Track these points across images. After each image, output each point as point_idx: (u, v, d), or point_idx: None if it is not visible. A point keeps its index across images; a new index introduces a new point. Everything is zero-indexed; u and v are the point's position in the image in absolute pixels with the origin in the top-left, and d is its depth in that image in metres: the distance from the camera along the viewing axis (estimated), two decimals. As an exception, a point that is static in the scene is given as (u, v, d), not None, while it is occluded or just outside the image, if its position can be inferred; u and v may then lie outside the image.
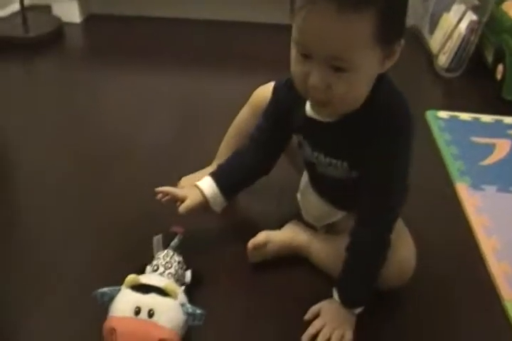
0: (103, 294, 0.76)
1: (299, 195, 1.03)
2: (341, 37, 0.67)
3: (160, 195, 0.96)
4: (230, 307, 0.87)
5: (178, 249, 0.90)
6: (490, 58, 1.67)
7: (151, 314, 0.73)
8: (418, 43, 1.91)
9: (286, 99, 0.86)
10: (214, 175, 0.96)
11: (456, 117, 1.46)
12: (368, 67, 0.71)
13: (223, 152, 1.08)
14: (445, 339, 0.85)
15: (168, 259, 0.85)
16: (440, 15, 1.82)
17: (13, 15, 1.88)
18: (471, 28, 1.65)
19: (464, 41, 1.66)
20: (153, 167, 1.20)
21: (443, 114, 1.47)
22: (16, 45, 1.74)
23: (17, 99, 1.52)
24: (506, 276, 0.95)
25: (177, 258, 0.87)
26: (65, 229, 1.03)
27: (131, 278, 0.77)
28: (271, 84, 0.94)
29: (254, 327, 0.84)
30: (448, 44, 1.71)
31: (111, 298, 0.76)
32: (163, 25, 1.97)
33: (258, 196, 1.10)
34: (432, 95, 1.66)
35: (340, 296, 0.84)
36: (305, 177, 1.00)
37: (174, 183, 1.08)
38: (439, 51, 1.74)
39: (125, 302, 0.75)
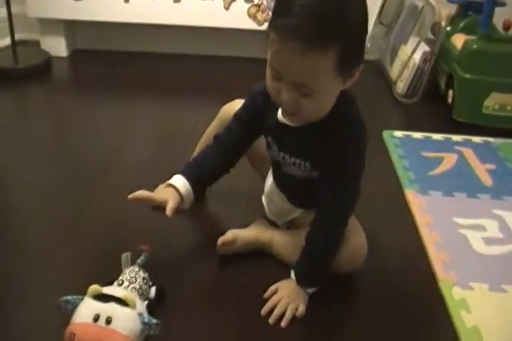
0: (67, 302, 0.81)
1: (263, 197, 1.14)
2: (306, 71, 0.78)
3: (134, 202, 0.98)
4: (192, 322, 0.91)
5: (144, 266, 0.93)
6: (443, 84, 1.83)
7: (108, 321, 0.77)
8: (381, 75, 2.07)
9: (261, 105, 0.97)
10: (184, 172, 1.02)
11: (409, 136, 1.60)
12: (330, 90, 0.83)
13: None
14: (389, 314, 0.95)
15: (133, 275, 0.89)
16: (399, 48, 2.00)
17: (4, 48, 2.02)
18: (425, 59, 1.82)
19: (419, 70, 1.83)
20: (133, 180, 1.28)
21: (398, 134, 1.60)
22: (6, 75, 1.87)
23: (7, 123, 1.63)
24: (443, 263, 1.06)
25: (142, 274, 0.90)
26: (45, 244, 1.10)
27: (93, 288, 0.81)
28: (236, 101, 1.08)
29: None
30: (404, 73, 1.88)
31: (74, 306, 0.80)
32: (145, 59, 2.12)
33: (225, 203, 1.21)
34: (390, 118, 1.81)
35: (296, 275, 0.94)
36: (269, 178, 1.11)
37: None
38: (397, 79, 1.90)
39: (86, 309, 0.79)
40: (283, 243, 1.04)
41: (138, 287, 0.88)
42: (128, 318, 0.79)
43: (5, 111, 1.72)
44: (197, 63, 2.10)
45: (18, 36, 1.97)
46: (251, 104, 1.01)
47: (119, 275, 0.90)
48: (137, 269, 0.91)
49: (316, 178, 0.95)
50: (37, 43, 2.10)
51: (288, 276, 0.96)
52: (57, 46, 2.09)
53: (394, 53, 2.04)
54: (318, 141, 0.90)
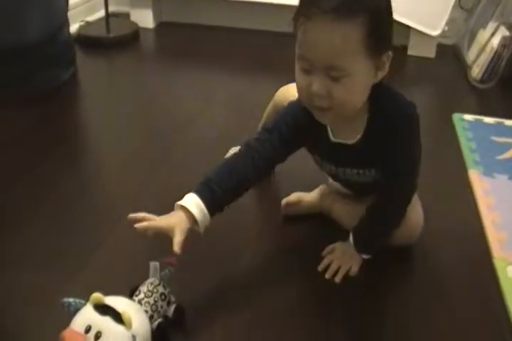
0: (69, 304, 0.78)
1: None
2: (334, 45, 0.78)
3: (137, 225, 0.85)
4: None
5: (166, 281, 0.87)
6: (520, 71, 1.81)
7: (98, 336, 0.73)
8: (457, 59, 2.07)
9: (306, 123, 0.92)
10: (199, 191, 0.88)
11: (480, 120, 1.61)
12: (360, 73, 0.81)
13: None
14: (437, 287, 1.01)
15: (151, 288, 0.84)
16: (477, 32, 1.99)
17: (99, 20, 2.17)
18: (503, 44, 1.80)
19: (496, 55, 1.82)
20: (206, 146, 1.41)
21: (468, 117, 1.62)
22: (99, 43, 2.04)
23: (99, 86, 1.81)
24: (499, 242, 1.10)
25: (161, 289, 0.85)
26: (127, 193, 1.23)
27: (95, 296, 0.77)
28: (291, 85, 0.99)
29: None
30: (481, 57, 1.87)
31: (76, 309, 0.78)
32: (225, 33, 2.21)
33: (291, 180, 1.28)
34: (463, 102, 1.81)
35: (354, 240, 1.01)
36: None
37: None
38: (473, 63, 1.90)
39: (82, 317, 0.76)
40: (344, 211, 1.11)
41: (152, 302, 0.83)
42: (118, 338, 0.74)
43: (96, 74, 1.90)
44: (277, 40, 2.16)
45: (110, 9, 2.12)
46: (293, 119, 0.94)
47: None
48: (157, 283, 0.86)
49: (379, 178, 0.97)
50: (127, 15, 2.25)
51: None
52: (144, 18, 2.23)
53: (472, 38, 2.02)
54: (378, 149, 0.91)
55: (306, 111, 0.89)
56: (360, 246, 1.01)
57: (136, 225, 0.83)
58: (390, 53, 0.84)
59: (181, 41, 2.15)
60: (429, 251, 1.08)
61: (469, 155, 1.41)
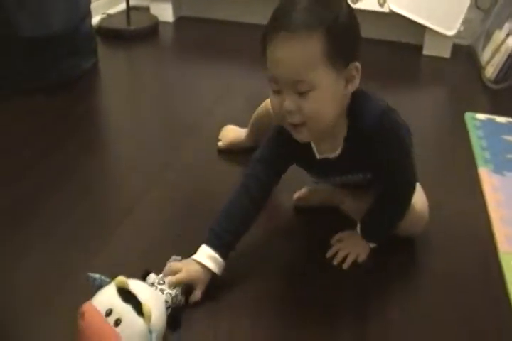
0: (94, 279, 0.81)
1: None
2: (295, 60, 0.82)
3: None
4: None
5: None
6: (534, 72, 1.82)
7: (117, 323, 0.74)
8: (472, 60, 2.09)
9: (287, 145, 0.96)
10: (212, 243, 0.95)
11: (492, 119, 1.63)
12: (325, 86, 0.84)
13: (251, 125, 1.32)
14: (443, 280, 1.04)
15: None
16: (493, 33, 2.00)
17: (120, 13, 2.22)
18: (519, 45, 1.82)
19: (511, 56, 1.83)
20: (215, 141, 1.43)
21: (480, 116, 1.65)
22: (120, 35, 2.09)
23: (119, 76, 1.86)
24: (506, 237, 1.13)
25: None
26: (145, 178, 1.28)
27: (120, 280, 0.78)
28: None
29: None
30: (495, 58, 1.89)
31: (100, 286, 0.80)
32: (243, 28, 2.24)
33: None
34: (476, 102, 1.83)
35: (361, 229, 1.05)
36: None
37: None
38: (487, 63, 1.92)
39: (105, 298, 0.78)
40: (355, 206, 1.14)
41: (174, 295, 0.87)
42: (136, 330, 0.75)
43: (116, 65, 1.95)
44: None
45: (131, 2, 2.17)
46: (275, 145, 1.00)
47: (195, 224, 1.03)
48: None
49: (370, 177, 1.02)
50: (147, 9, 2.29)
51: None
52: (164, 12, 2.27)
53: (488, 39, 2.04)
54: (360, 158, 0.95)
55: (288, 135, 0.92)
56: (367, 235, 1.05)
57: (167, 281, 0.89)
58: (358, 65, 0.86)
59: (200, 35, 2.19)
60: (436, 244, 1.11)
61: (480, 153, 1.43)
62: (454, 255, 1.09)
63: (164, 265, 0.94)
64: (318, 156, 0.98)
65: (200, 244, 0.95)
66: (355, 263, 1.03)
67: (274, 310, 0.94)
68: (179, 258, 0.95)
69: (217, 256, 0.94)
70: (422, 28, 2.04)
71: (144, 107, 1.66)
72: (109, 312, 0.75)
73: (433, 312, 0.96)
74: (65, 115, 1.54)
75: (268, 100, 1.21)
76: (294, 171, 1.26)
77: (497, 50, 1.89)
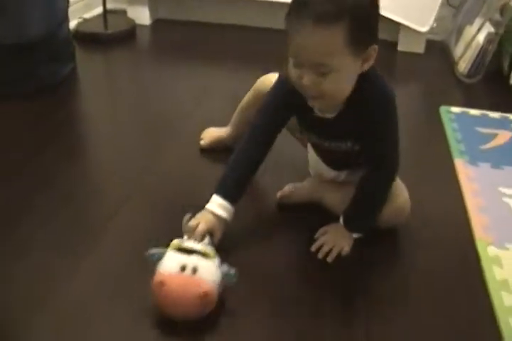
0: (152, 255, 0.91)
1: (310, 168, 1.25)
2: (319, 47, 0.86)
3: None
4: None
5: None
6: (506, 65, 1.88)
7: (194, 271, 0.86)
8: (445, 55, 2.14)
9: (290, 96, 1.00)
10: (222, 191, 1.04)
11: (466, 112, 1.68)
12: (346, 68, 0.90)
13: (234, 121, 1.35)
14: (424, 265, 1.08)
15: (206, 241, 0.98)
16: (464, 28, 2.05)
17: (96, 17, 2.22)
18: (489, 39, 1.87)
19: (482, 50, 1.88)
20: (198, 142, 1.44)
21: (455, 109, 1.69)
22: (97, 39, 2.08)
23: (97, 81, 1.87)
24: (482, 225, 1.17)
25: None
26: (126, 183, 1.28)
27: (176, 242, 0.92)
28: (272, 74, 1.16)
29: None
30: (467, 53, 1.94)
31: (159, 258, 0.90)
32: (220, 30, 2.27)
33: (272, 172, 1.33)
34: (450, 96, 1.88)
35: (344, 220, 1.08)
36: (311, 151, 1.21)
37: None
38: (460, 58, 1.97)
39: (172, 261, 0.88)
40: (336, 198, 1.17)
41: (208, 243, 0.97)
42: (210, 269, 0.89)
43: (95, 70, 1.95)
44: (271, 36, 2.22)
45: (108, 6, 2.17)
46: (278, 94, 1.05)
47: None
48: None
49: (358, 149, 1.06)
50: (124, 12, 2.30)
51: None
52: (141, 15, 2.28)
53: (459, 34, 2.09)
54: (353, 124, 1.00)
55: (292, 91, 0.97)
56: (350, 225, 1.08)
57: (196, 234, 0.98)
58: (376, 46, 0.92)
59: (177, 37, 2.20)
60: (416, 234, 1.15)
61: (455, 146, 1.47)
62: (433, 243, 1.13)
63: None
64: (316, 112, 1.02)
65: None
66: (339, 256, 1.05)
67: (261, 307, 0.96)
68: (190, 214, 1.02)
69: (226, 204, 1.03)
70: (396, 25, 2.08)
71: (123, 111, 1.67)
72: (183, 268, 0.87)
73: (411, 300, 0.99)
74: (45, 121, 1.53)
75: (249, 93, 1.29)
76: (278, 171, 1.31)
77: (469, 45, 1.93)
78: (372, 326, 0.93)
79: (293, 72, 0.93)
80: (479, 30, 1.90)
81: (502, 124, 1.62)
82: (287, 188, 1.22)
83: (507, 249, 1.11)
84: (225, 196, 1.04)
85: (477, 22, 1.96)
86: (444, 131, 1.56)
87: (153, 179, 1.30)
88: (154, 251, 0.92)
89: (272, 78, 1.12)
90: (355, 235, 1.08)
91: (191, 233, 0.98)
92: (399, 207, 1.10)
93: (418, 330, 0.93)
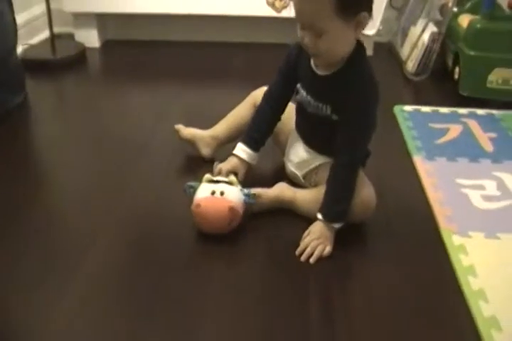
0: (190, 186, 1.15)
1: (285, 156, 1.31)
2: (310, 12, 1.02)
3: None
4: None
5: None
6: (450, 62, 1.95)
7: (222, 193, 1.10)
8: (392, 55, 2.20)
9: (295, 55, 1.19)
10: (246, 142, 1.26)
11: (418, 110, 1.73)
12: (336, 30, 1.03)
13: (220, 127, 1.40)
14: (395, 256, 1.12)
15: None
16: (408, 29, 2.12)
17: (43, 42, 2.19)
18: (433, 39, 1.94)
19: (427, 49, 1.95)
20: (166, 162, 1.43)
21: (408, 108, 1.74)
22: (46, 66, 2.04)
23: (49, 110, 1.81)
24: (445, 216, 1.21)
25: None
26: (100, 209, 1.24)
27: (207, 176, 1.16)
28: (263, 88, 1.32)
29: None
30: (414, 52, 2.00)
31: (195, 189, 1.14)
32: (170, 47, 2.27)
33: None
34: (401, 94, 1.94)
35: (322, 213, 1.11)
36: (292, 134, 1.29)
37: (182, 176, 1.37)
38: (407, 58, 2.03)
39: (204, 189, 1.13)
40: (305, 199, 1.20)
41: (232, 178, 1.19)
42: (234, 191, 1.13)
43: (46, 98, 1.90)
44: (220, 50, 2.25)
45: (54, 30, 2.14)
46: (288, 56, 1.22)
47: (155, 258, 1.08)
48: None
49: (335, 120, 1.14)
50: (70, 36, 2.27)
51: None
52: (90, 38, 2.26)
53: (404, 35, 2.16)
54: (338, 90, 1.10)
55: (299, 50, 1.15)
56: (329, 214, 1.11)
57: (222, 173, 1.23)
58: (365, 14, 1.04)
59: (129, 58, 2.20)
60: (382, 226, 1.19)
61: (412, 143, 1.52)
62: (400, 236, 1.17)
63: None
64: (312, 65, 1.15)
65: (161, 265, 1.07)
66: (320, 257, 1.08)
67: (247, 308, 0.97)
68: (218, 161, 1.27)
69: (247, 149, 1.26)
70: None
71: (84, 138, 1.59)
72: (213, 192, 1.11)
73: (383, 280, 1.04)
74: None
75: (244, 103, 1.39)
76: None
77: (415, 45, 2.00)
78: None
79: (299, 33, 1.08)
80: (423, 30, 1.97)
81: (452, 118, 1.68)
82: (254, 192, 1.19)
83: (470, 236, 1.15)
84: (247, 143, 1.26)
85: (420, 22, 2.03)
86: (400, 129, 1.60)
87: (121, 211, 1.24)
88: (191, 183, 1.15)
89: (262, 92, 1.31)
90: (336, 225, 1.11)
91: (218, 173, 1.22)
92: (366, 201, 1.13)
93: (384, 320, 0.96)
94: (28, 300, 0.99)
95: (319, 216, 1.11)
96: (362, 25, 1.05)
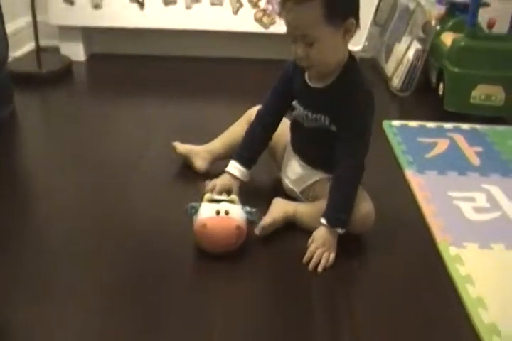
0: (192, 207, 1.13)
1: (282, 172, 1.32)
2: (301, 21, 1.06)
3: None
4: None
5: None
6: (434, 79, 2.00)
7: (226, 213, 1.10)
8: (376, 71, 2.25)
9: (291, 72, 1.21)
10: (239, 159, 1.27)
11: (406, 125, 1.77)
12: (326, 38, 1.07)
13: (216, 143, 1.41)
14: (393, 268, 1.13)
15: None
16: (393, 46, 2.18)
17: (27, 55, 2.17)
18: (418, 56, 1.99)
19: (412, 66, 2.00)
20: (159, 178, 1.41)
21: (396, 123, 1.78)
22: (32, 79, 2.01)
23: (36, 124, 1.79)
24: (440, 228, 1.24)
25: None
26: (95, 229, 1.21)
27: (208, 196, 1.16)
28: (257, 106, 1.32)
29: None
30: (399, 69, 2.05)
31: (196, 209, 1.12)
32: (157, 62, 2.27)
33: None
34: (388, 110, 1.97)
35: (326, 218, 1.12)
36: (288, 148, 1.31)
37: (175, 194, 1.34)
38: (393, 75, 2.08)
39: (208, 209, 1.12)
40: (305, 213, 1.20)
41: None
42: (238, 210, 1.13)
43: (33, 112, 1.88)
44: (207, 65, 2.26)
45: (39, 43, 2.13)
46: (285, 72, 1.24)
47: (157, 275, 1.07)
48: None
49: (333, 131, 1.16)
50: (56, 49, 2.25)
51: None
52: (75, 51, 2.25)
53: (388, 51, 2.21)
54: (334, 101, 1.13)
55: (294, 66, 1.19)
56: (332, 221, 1.12)
57: (215, 191, 1.24)
58: (353, 20, 1.08)
59: (114, 72, 2.19)
60: (381, 238, 1.20)
61: (402, 157, 1.54)
62: (397, 248, 1.19)
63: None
64: (306, 82, 1.18)
65: (164, 282, 1.06)
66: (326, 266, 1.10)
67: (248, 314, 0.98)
68: (209, 180, 1.28)
69: (240, 166, 1.27)
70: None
71: (64, 157, 1.53)
72: (218, 212, 1.11)
73: (383, 291, 1.06)
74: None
75: (239, 121, 1.40)
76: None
77: (400, 61, 2.05)
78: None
79: (292, 48, 1.11)
80: (408, 47, 2.02)
81: (439, 133, 1.72)
82: (268, 219, 1.18)
83: (464, 247, 1.17)
84: (239, 161, 1.27)
85: (405, 40, 2.09)
86: (390, 144, 1.63)
87: (123, 218, 1.24)
88: (193, 204, 1.14)
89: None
90: (339, 230, 1.12)
91: (212, 189, 1.24)
92: (365, 215, 1.15)
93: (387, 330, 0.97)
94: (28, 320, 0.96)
95: (323, 221, 1.13)
96: (350, 32, 1.09)
